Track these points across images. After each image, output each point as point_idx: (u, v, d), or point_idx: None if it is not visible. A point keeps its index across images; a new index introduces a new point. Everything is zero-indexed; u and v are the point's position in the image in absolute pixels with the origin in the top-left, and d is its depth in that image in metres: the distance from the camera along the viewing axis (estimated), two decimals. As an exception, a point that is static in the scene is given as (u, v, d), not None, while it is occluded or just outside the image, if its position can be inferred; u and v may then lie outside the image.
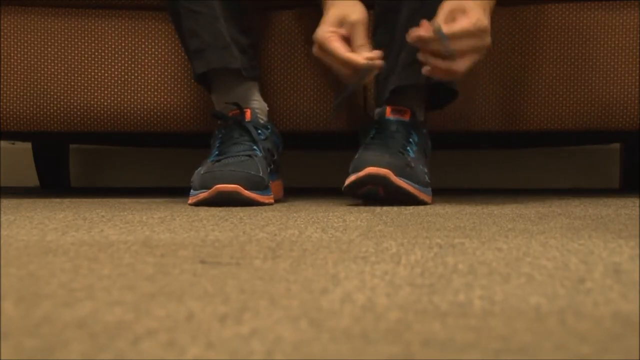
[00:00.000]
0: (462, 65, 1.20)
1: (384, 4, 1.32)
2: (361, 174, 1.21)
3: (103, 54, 1.47)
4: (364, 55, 1.26)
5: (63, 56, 1.47)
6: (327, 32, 1.28)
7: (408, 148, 1.29)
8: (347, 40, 1.29)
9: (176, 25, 1.37)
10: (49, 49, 1.47)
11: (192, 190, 1.29)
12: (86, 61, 1.47)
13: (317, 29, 1.30)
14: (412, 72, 1.28)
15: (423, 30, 1.19)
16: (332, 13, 1.30)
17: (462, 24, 1.19)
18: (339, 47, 1.27)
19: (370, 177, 1.21)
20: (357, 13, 1.30)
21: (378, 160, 1.22)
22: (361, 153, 1.26)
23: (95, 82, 1.47)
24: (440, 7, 1.21)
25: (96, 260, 0.66)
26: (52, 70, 1.47)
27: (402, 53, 1.29)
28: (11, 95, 1.47)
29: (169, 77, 1.48)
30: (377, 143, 1.28)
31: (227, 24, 1.34)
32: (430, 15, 1.24)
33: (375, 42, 1.34)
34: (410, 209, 1.18)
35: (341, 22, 1.29)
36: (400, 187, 1.22)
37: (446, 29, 1.18)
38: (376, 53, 1.27)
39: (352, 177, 1.23)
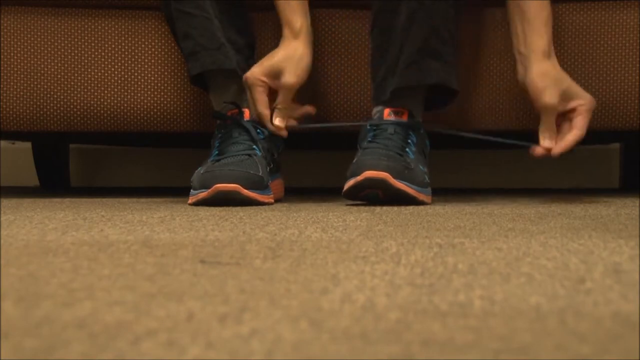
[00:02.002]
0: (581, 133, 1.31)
1: (380, 3, 1.32)
2: (360, 178, 1.22)
3: (103, 54, 1.47)
4: (275, 122, 1.29)
5: (63, 56, 1.47)
6: (259, 81, 1.28)
7: (407, 149, 1.29)
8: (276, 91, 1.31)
9: (171, 28, 1.38)
10: (49, 49, 1.47)
11: (192, 190, 1.29)
12: (86, 61, 1.47)
13: (253, 67, 1.30)
14: (412, 73, 1.28)
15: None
16: (272, 62, 1.29)
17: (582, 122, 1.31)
18: (260, 99, 1.29)
19: (369, 181, 1.21)
20: (292, 76, 1.28)
21: (376, 164, 1.22)
22: (359, 157, 1.27)
23: (95, 82, 1.47)
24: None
25: (96, 260, 0.66)
26: (52, 70, 1.47)
27: (402, 55, 1.29)
28: (11, 95, 1.47)
29: (169, 77, 1.48)
30: (375, 146, 1.28)
31: (222, 25, 1.34)
32: (429, 17, 1.25)
33: (371, 41, 1.34)
34: (410, 208, 1.19)
35: (276, 75, 1.29)
36: (399, 190, 1.22)
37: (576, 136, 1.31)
38: (283, 123, 1.30)
39: (351, 182, 1.23)
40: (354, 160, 1.27)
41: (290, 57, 1.30)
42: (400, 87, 1.29)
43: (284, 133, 1.31)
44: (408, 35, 1.27)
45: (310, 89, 1.47)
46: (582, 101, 1.30)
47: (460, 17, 1.34)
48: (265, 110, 1.29)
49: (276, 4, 1.33)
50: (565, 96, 1.29)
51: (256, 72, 1.29)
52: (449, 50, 1.30)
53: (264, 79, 1.29)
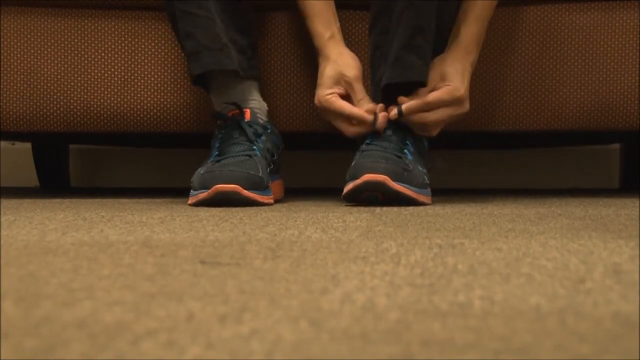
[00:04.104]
0: (434, 131, 1.32)
1: (379, 3, 1.32)
2: (359, 181, 1.22)
3: (103, 54, 1.47)
4: (366, 107, 1.31)
5: (63, 56, 1.47)
6: (327, 95, 1.32)
7: (405, 150, 1.29)
8: (346, 97, 1.34)
9: (173, 27, 1.38)
10: (49, 49, 1.47)
11: (192, 191, 1.29)
12: (86, 61, 1.47)
13: (316, 92, 1.34)
14: (397, 70, 1.28)
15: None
16: (326, 74, 1.33)
17: (438, 93, 1.29)
18: (343, 105, 1.32)
19: (368, 184, 1.22)
20: (352, 69, 1.33)
21: (375, 167, 1.22)
22: (358, 159, 1.27)
23: (95, 82, 1.47)
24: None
25: (96, 260, 0.66)
26: (52, 70, 1.47)
27: (390, 52, 1.29)
28: (11, 95, 1.47)
29: (169, 77, 1.48)
30: (373, 148, 1.28)
31: (225, 25, 1.34)
32: (417, 16, 1.25)
33: (370, 42, 1.34)
34: (410, 209, 1.19)
35: (338, 81, 1.33)
36: (398, 192, 1.22)
37: (420, 101, 1.29)
38: (377, 106, 1.32)
39: (350, 185, 1.24)
40: (353, 163, 1.27)
41: (337, 58, 1.34)
42: (391, 87, 1.30)
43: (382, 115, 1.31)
44: (397, 33, 1.27)
45: (310, 89, 1.47)
46: (450, 85, 1.30)
47: (449, 16, 1.34)
48: (353, 109, 1.31)
49: (305, 22, 1.38)
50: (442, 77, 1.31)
51: (320, 92, 1.33)
52: (430, 48, 1.30)
53: (330, 90, 1.32)
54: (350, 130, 1.33)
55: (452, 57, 1.31)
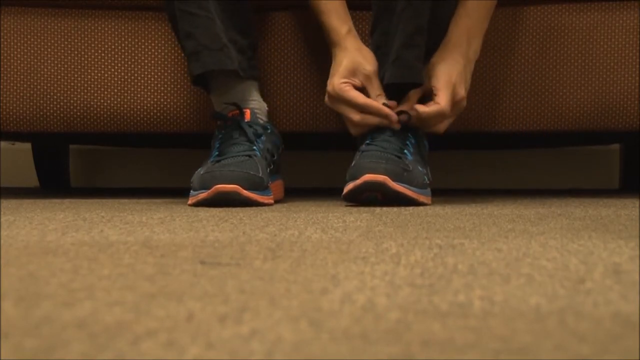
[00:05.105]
0: (442, 128, 1.33)
1: (380, 4, 1.32)
2: (359, 181, 1.22)
3: (103, 54, 1.47)
4: (383, 102, 1.31)
5: (63, 56, 1.47)
6: (342, 84, 1.31)
7: (405, 151, 1.29)
8: (360, 90, 1.33)
9: (173, 27, 1.38)
10: (49, 49, 1.47)
11: (191, 191, 1.29)
12: (86, 61, 1.47)
13: (330, 80, 1.33)
14: (399, 69, 1.28)
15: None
16: (344, 64, 1.32)
17: (428, 110, 1.30)
18: (357, 95, 1.31)
19: (368, 185, 1.22)
20: (370, 63, 1.32)
21: (375, 167, 1.22)
22: (358, 160, 1.27)
23: (95, 82, 1.47)
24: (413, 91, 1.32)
25: (96, 261, 0.66)
26: (52, 70, 1.47)
27: (391, 52, 1.29)
28: (11, 96, 1.47)
29: (169, 77, 1.48)
30: (373, 148, 1.28)
31: (225, 25, 1.34)
32: (416, 15, 1.26)
33: (372, 43, 1.34)
34: (410, 209, 1.19)
35: (354, 73, 1.32)
36: (398, 193, 1.23)
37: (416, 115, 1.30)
38: (393, 103, 1.32)
39: (350, 185, 1.24)
40: (353, 164, 1.27)
41: (356, 51, 1.33)
42: (390, 86, 1.30)
43: (395, 119, 1.31)
44: (397, 32, 1.28)
45: (310, 90, 1.48)
46: (438, 101, 1.30)
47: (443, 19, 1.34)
48: (367, 100, 1.31)
49: (320, 17, 1.37)
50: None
51: (335, 80, 1.32)
52: (424, 49, 1.30)
53: (345, 80, 1.31)
54: (357, 121, 1.31)
55: (438, 54, 1.32)
